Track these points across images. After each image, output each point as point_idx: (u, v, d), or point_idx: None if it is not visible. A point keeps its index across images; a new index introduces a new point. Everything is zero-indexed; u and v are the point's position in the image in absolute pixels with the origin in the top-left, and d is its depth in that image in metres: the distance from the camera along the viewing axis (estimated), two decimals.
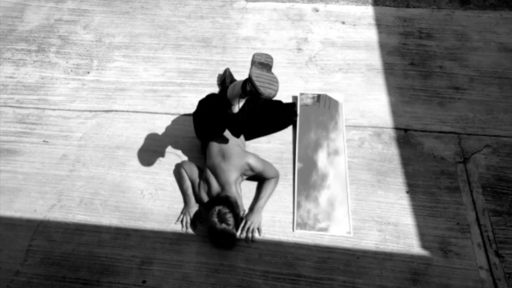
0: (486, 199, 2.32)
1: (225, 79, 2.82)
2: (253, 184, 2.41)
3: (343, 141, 2.56)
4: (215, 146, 2.33)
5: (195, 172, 2.39)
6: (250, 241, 2.21)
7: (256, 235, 2.22)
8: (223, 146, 2.31)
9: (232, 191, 2.23)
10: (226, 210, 2.11)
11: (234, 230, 2.13)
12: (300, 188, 2.39)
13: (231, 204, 2.14)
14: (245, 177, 2.33)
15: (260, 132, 2.59)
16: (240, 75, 2.97)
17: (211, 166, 2.31)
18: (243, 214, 2.25)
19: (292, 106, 2.67)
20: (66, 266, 2.17)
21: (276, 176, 2.36)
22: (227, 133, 2.38)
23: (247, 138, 2.54)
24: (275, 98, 2.63)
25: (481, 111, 2.72)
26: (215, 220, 2.09)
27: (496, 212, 2.28)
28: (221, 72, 2.99)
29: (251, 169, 2.27)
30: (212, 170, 2.30)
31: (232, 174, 2.24)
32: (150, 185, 2.45)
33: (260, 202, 2.28)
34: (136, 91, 2.94)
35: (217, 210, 2.11)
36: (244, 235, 2.22)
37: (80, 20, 3.49)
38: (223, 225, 2.08)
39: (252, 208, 2.29)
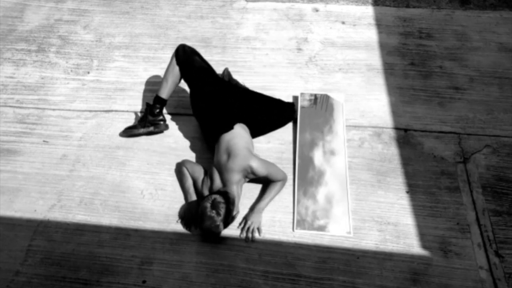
0: (486, 199, 2.32)
1: (223, 78, 2.83)
2: (253, 185, 2.41)
3: (343, 142, 2.56)
4: (223, 144, 2.33)
5: (197, 170, 2.39)
6: (250, 241, 2.21)
7: (256, 235, 2.22)
8: (231, 145, 2.30)
9: (233, 189, 2.23)
10: (221, 200, 2.11)
11: (221, 224, 2.11)
12: (299, 184, 2.39)
13: (228, 198, 2.14)
14: (247, 179, 2.33)
15: (261, 131, 2.59)
16: (240, 75, 2.97)
17: (216, 163, 2.32)
18: (235, 214, 2.24)
19: (291, 105, 2.68)
20: (66, 266, 2.17)
21: (283, 179, 2.34)
22: (236, 132, 2.37)
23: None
24: (276, 97, 2.66)
25: (481, 111, 2.72)
26: (207, 204, 2.09)
27: (496, 212, 2.28)
28: (220, 72, 2.99)
29: (253, 172, 2.25)
30: (217, 167, 2.31)
31: (235, 174, 2.24)
32: (150, 185, 2.45)
33: (262, 203, 2.28)
34: (136, 91, 2.94)
35: (213, 197, 2.12)
36: (244, 235, 2.22)
37: (80, 20, 3.49)
38: (213, 212, 2.08)
39: (252, 208, 2.29)
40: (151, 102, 2.63)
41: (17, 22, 3.50)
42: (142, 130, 2.62)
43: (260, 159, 2.31)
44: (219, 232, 2.17)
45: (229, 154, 2.27)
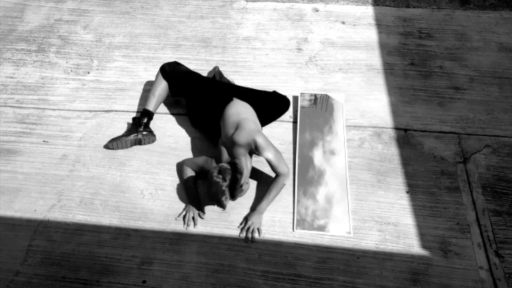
0: (486, 199, 2.32)
1: (214, 75, 2.83)
2: (253, 184, 2.41)
3: (343, 142, 2.56)
4: (231, 118, 2.36)
5: (200, 160, 2.40)
6: (250, 242, 2.21)
7: (256, 235, 2.23)
8: (240, 119, 2.33)
9: (241, 161, 2.23)
10: (228, 167, 2.12)
11: (226, 190, 2.09)
12: (299, 183, 2.39)
13: (235, 167, 2.14)
14: (253, 156, 2.31)
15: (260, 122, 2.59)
16: (240, 75, 2.97)
17: (224, 137, 2.35)
18: (244, 185, 2.19)
19: (284, 96, 2.67)
20: (66, 266, 2.17)
21: (285, 174, 2.29)
22: (242, 108, 2.42)
23: None
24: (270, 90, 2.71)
25: (481, 111, 2.72)
26: (214, 171, 2.11)
27: (496, 212, 2.28)
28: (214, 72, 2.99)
29: (257, 148, 2.23)
30: (224, 141, 2.33)
31: (240, 148, 2.24)
32: (150, 185, 2.45)
33: (263, 204, 2.28)
34: (136, 91, 2.94)
35: (220, 165, 2.14)
36: (244, 235, 2.22)
37: (80, 20, 3.49)
38: (220, 178, 2.08)
39: (253, 209, 2.29)
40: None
41: (17, 22, 3.50)
42: (130, 137, 2.55)
43: (267, 139, 2.29)
44: (225, 199, 2.12)
45: (236, 128, 2.30)
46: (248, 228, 2.23)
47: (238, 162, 2.20)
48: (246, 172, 2.24)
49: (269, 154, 2.25)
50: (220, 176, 2.09)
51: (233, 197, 2.16)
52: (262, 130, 2.58)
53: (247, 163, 2.27)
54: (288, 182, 2.42)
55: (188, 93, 2.64)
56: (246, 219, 2.27)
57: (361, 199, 2.35)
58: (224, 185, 2.09)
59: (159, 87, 2.65)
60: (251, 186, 2.40)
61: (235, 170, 2.13)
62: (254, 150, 2.25)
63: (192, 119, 2.67)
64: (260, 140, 2.23)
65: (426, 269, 2.10)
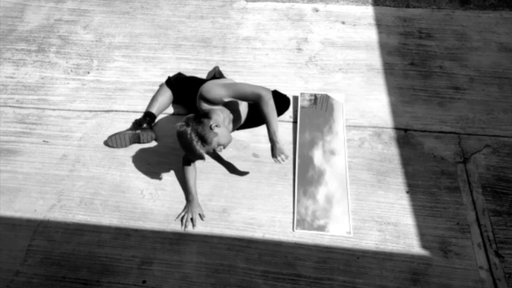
0: (486, 199, 2.33)
1: (215, 75, 2.84)
2: (255, 182, 2.41)
3: (343, 142, 2.56)
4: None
5: None
6: (286, 159, 2.15)
7: (285, 158, 2.15)
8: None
9: (209, 110, 2.19)
10: (191, 115, 2.10)
11: (193, 134, 2.01)
12: (299, 183, 2.39)
13: (200, 113, 2.13)
14: (224, 102, 2.26)
15: (258, 121, 2.59)
16: (240, 75, 2.97)
17: None
18: (215, 128, 2.06)
19: (284, 95, 2.73)
20: (66, 266, 2.17)
21: (259, 94, 2.14)
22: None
23: (246, 127, 2.61)
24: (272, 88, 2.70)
25: (481, 111, 2.72)
26: (178, 124, 2.07)
27: (496, 212, 2.28)
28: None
29: (205, 98, 2.21)
30: None
31: (202, 105, 2.27)
32: (150, 185, 2.45)
33: (269, 133, 2.15)
34: (136, 91, 2.94)
35: (185, 118, 2.10)
36: (277, 161, 2.17)
37: (80, 20, 3.49)
38: (183, 127, 2.02)
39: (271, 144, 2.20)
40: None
41: (17, 22, 3.50)
42: (129, 132, 2.56)
43: (215, 82, 2.27)
44: (196, 143, 2.02)
45: None
46: (276, 158, 2.15)
47: (204, 109, 2.15)
48: (216, 116, 2.14)
49: (220, 93, 2.19)
50: (183, 124, 2.04)
51: (205, 140, 2.02)
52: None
53: (217, 112, 2.19)
54: (288, 182, 2.42)
55: (190, 94, 2.65)
56: (272, 154, 2.18)
57: (361, 199, 2.35)
58: (189, 130, 2.01)
59: (164, 94, 2.71)
60: (252, 186, 2.40)
61: (200, 115, 2.08)
62: (212, 102, 2.21)
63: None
64: (203, 90, 2.23)
65: (426, 269, 2.10)
